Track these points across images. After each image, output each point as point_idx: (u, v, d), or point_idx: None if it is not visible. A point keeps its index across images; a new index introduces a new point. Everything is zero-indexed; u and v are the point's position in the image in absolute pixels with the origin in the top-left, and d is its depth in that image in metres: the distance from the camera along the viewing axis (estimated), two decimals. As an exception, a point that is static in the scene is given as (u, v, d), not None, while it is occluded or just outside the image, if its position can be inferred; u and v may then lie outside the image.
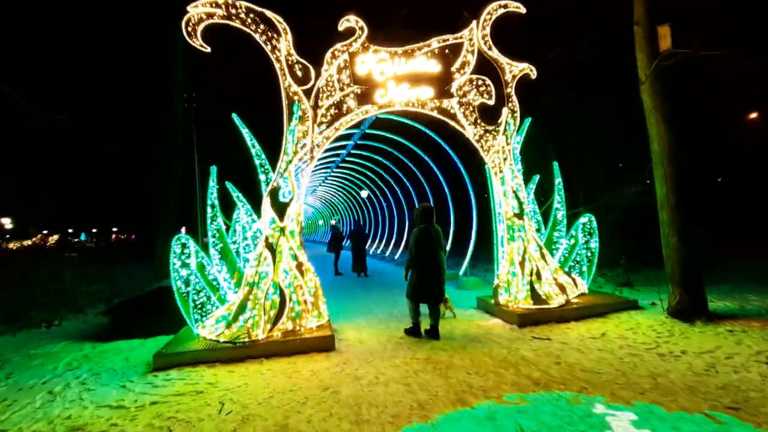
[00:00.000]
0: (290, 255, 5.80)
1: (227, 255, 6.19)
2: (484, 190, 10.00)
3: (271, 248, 5.69)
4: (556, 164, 7.56)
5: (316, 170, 17.22)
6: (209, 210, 6.02)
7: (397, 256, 15.63)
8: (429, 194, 12.73)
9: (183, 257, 5.63)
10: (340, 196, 25.23)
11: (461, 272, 9.74)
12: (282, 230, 5.80)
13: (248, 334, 5.29)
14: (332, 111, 6.40)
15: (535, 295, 6.42)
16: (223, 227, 6.41)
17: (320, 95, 6.36)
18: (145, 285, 12.00)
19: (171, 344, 5.39)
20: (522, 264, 6.61)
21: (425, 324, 5.97)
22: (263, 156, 6.49)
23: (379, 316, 7.27)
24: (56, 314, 8.36)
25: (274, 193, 5.89)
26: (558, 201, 7.53)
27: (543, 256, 6.82)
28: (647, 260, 9.63)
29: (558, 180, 7.53)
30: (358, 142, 12.40)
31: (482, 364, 4.72)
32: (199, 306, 5.72)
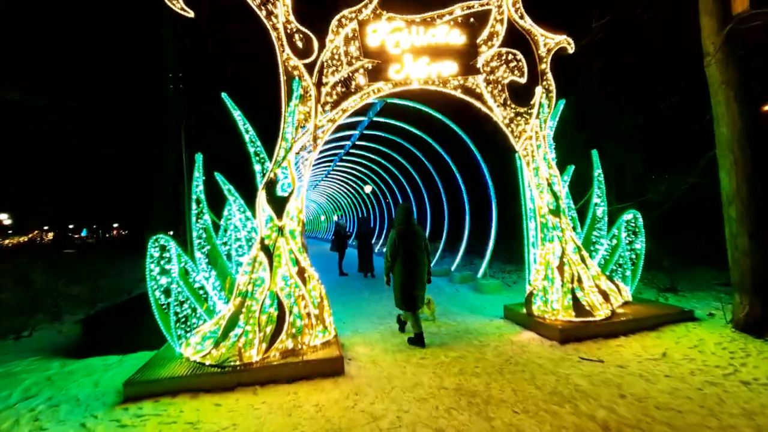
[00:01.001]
0: (290, 259, 4.87)
1: (216, 259, 5.27)
2: (501, 183, 9.05)
3: (268, 251, 4.77)
4: (595, 153, 6.59)
5: (318, 163, 16.27)
6: (194, 206, 5.08)
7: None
8: (441, 188, 11.77)
9: (162, 262, 4.71)
10: (342, 191, 24.28)
11: (479, 274, 8.82)
12: (280, 230, 4.87)
13: (240, 355, 4.38)
14: (338, 89, 5.45)
15: (577, 306, 5.48)
16: (214, 226, 5.48)
17: (325, 71, 5.41)
18: (135, 287, 11.11)
19: (148, 367, 4.48)
20: (560, 269, 5.67)
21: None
22: (258, 143, 5.56)
23: (392, 326, 6.35)
24: (29, 322, 7.47)
25: (270, 186, 4.95)
26: (597, 195, 6.57)
27: (583, 259, 5.87)
28: (686, 260, 8.69)
29: (598, 171, 6.56)
30: (364, 131, 11.43)
31: (529, 398, 3.79)
32: (183, 320, 4.82)
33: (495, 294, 8.39)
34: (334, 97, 5.43)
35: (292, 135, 5.17)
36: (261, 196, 4.89)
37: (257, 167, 5.48)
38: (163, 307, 4.74)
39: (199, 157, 5.15)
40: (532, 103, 6.04)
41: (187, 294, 4.82)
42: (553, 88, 6.11)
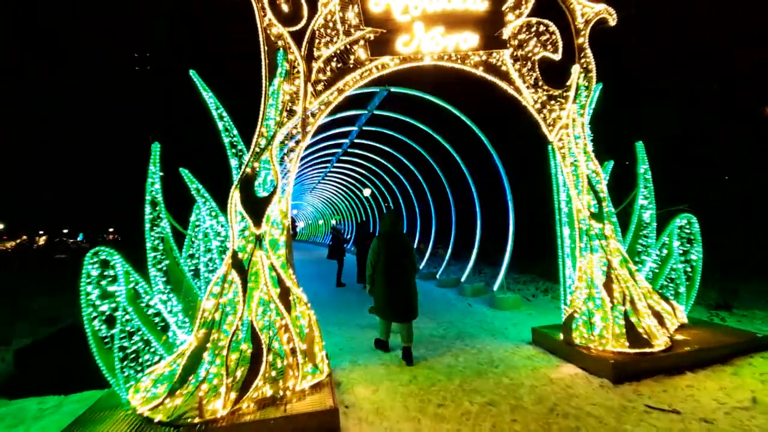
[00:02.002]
0: (271, 278, 3.78)
1: (178, 276, 4.17)
2: (517, 183, 8.00)
3: (241, 268, 3.68)
4: (640, 145, 5.53)
5: (314, 163, 15.18)
6: (148, 209, 3.98)
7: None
8: (448, 190, 10.70)
9: (104, 283, 3.62)
10: (341, 194, 23.21)
11: (496, 287, 7.74)
12: (258, 240, 3.79)
13: (200, 408, 3.28)
14: (333, 65, 4.39)
15: (631, 333, 4.40)
16: (178, 235, 4.39)
17: (316, 41, 4.36)
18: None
19: (80, 423, 3.38)
20: (608, 286, 4.60)
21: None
22: (235, 132, 4.50)
23: (400, 354, 5.25)
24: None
25: (247, 184, 3.88)
26: (644, 196, 5.51)
27: (631, 274, 4.80)
28: (735, 270, 7.63)
29: (644, 167, 5.50)
30: (363, 128, 10.38)
31: (599, 479, 2.70)
32: (132, 356, 3.73)
33: (514, 310, 7.30)
34: (328, 74, 4.37)
35: (275, 120, 4.11)
36: (234, 197, 3.81)
37: (233, 162, 4.44)
38: (105, 340, 3.65)
39: (155, 148, 4.06)
40: (568, 84, 5.00)
41: (138, 323, 3.73)
42: (592, 66, 5.07)
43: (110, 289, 3.63)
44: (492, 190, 10.14)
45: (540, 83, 4.95)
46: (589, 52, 5.08)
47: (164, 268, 4.02)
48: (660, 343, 4.42)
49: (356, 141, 11.81)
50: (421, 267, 12.31)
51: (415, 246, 14.31)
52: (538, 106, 4.93)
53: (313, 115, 4.32)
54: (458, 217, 10.72)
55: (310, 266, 16.96)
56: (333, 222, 19.73)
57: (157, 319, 3.94)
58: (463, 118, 7.74)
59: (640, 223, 5.50)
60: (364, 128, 10.43)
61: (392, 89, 7.52)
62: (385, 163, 13.42)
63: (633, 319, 4.45)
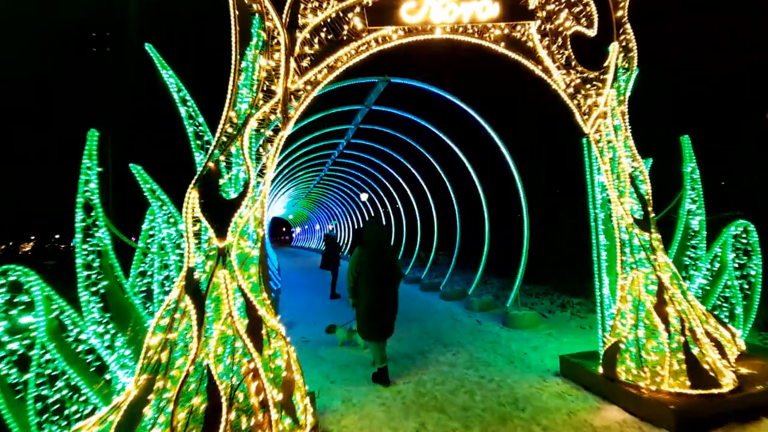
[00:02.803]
0: (238, 307, 2.90)
1: (120, 301, 3.26)
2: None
3: (197, 293, 2.79)
4: (686, 140, 4.70)
5: (307, 165, 14.29)
6: (79, 214, 3.07)
7: (407, 272, 12.72)
8: (452, 193, 9.85)
9: (13, 312, 2.73)
10: (337, 198, 22.34)
11: (509, 302, 6.86)
12: (222, 255, 2.90)
13: (133, 489, 2.38)
14: (323, 35, 3.54)
15: (695, 370, 3.53)
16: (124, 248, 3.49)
17: (301, 6, 3.51)
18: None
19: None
20: (661, 310, 3.74)
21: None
22: (201, 120, 3.65)
23: (402, 387, 4.36)
24: None
25: (208, 183, 3.00)
26: (692, 199, 4.67)
27: (684, 294, 3.94)
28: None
29: (691, 166, 4.66)
30: (360, 126, 9.53)
31: None
32: (55, 408, 2.83)
33: (530, 330, 6.42)
34: (316, 47, 3.52)
35: (248, 103, 3.25)
36: (191, 199, 2.93)
37: (198, 157, 3.57)
38: (17, 388, 2.75)
39: (92, 136, 3.17)
40: (605, 65, 4.17)
41: (61, 364, 2.83)
42: (633, 45, 4.24)
43: (23, 320, 2.74)
44: (499, 192, 9.34)
45: (573, 63, 4.12)
46: (629, 27, 4.25)
47: (101, 291, 3.11)
48: (727, 381, 3.55)
49: (353, 141, 10.96)
50: (422, 276, 11.43)
51: (415, 254, 13.46)
52: (571, 90, 4.09)
53: (297, 97, 3.46)
54: (463, 223, 9.88)
55: (303, 275, 16.04)
56: (329, 228, 18.84)
57: (90, 358, 3.04)
58: (473, 113, 6.91)
59: (687, 232, 4.65)
60: (362, 126, 9.59)
61: (393, 80, 6.69)
62: (384, 165, 12.57)
63: (695, 351, 3.58)
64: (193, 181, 2.97)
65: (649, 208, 4.09)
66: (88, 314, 3.05)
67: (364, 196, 19.33)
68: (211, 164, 3.03)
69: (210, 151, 3.07)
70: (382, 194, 15.29)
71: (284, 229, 58.76)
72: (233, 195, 3.10)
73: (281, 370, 2.93)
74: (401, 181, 12.75)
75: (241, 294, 2.89)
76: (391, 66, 6.69)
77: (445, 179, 9.80)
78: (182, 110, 3.63)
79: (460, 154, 8.36)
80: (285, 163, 11.33)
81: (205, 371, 2.66)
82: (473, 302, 7.92)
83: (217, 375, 2.66)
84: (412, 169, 11.20)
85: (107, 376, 3.10)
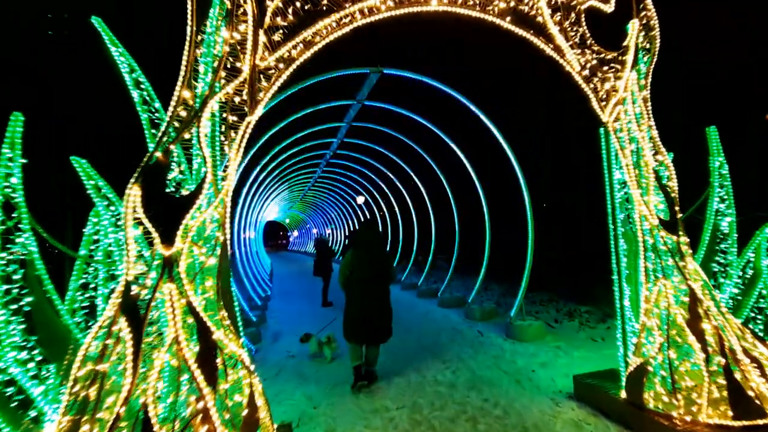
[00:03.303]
0: (187, 329, 2.34)
1: (50, 320, 2.70)
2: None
3: (134, 314, 2.24)
4: (713, 131, 4.18)
5: (299, 167, 13.74)
6: (-4, 216, 2.53)
7: (404, 277, 12.17)
8: (450, 194, 9.33)
9: None
10: (331, 202, 21.82)
11: (513, 311, 6.30)
12: (168, 266, 2.36)
13: None
14: (298, 5, 3.02)
15: (737, 397, 3.00)
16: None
17: (273, -29, 2.99)
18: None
19: None
20: (696, 326, 3.21)
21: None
22: (157, 103, 3.13)
23: (396, 417, 3.81)
24: None
25: (154, 177, 2.46)
26: (721, 198, 4.14)
27: (718, 307, 3.42)
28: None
29: (719, 160, 4.14)
30: (353, 124, 9.01)
31: None
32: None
33: (537, 342, 5.87)
34: (290, 18, 2.99)
35: (207, 83, 2.72)
36: (131, 197, 2.38)
37: (152, 146, 3.01)
38: None
39: (15, 121, 2.61)
40: (625, 44, 3.66)
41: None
42: (655, 23, 3.74)
43: None
44: (500, 190, 8.82)
45: (588, 42, 3.61)
46: (650, 3, 3.75)
47: (25, 309, 2.55)
48: (775, 410, 3.02)
49: (346, 141, 10.44)
50: (419, 283, 10.89)
51: (412, 258, 12.91)
52: (586, 72, 3.58)
53: (268, 77, 2.93)
54: (462, 224, 9.35)
55: (296, 281, 15.47)
56: (316, 232, 18.22)
57: (10, 391, 2.48)
58: (473, 107, 6.40)
59: (716, 235, 4.13)
60: (355, 124, 9.07)
61: (386, 71, 6.17)
62: (378, 166, 12.04)
63: (737, 374, 3.05)
64: (135, 175, 2.43)
65: (677, 208, 3.58)
66: (7, 337, 2.49)
67: (360, 199, 18.79)
68: (158, 154, 2.49)
69: (158, 140, 2.53)
70: (377, 196, 14.77)
71: (281, 233, 58.17)
72: (185, 192, 2.57)
73: (242, 407, 2.38)
74: (397, 182, 12.22)
75: (191, 314, 2.34)
76: (387, 54, 6.20)
77: (442, 179, 9.28)
78: (135, 94, 3.10)
79: (459, 152, 7.84)
80: (274, 164, 10.79)
81: (141, 413, 2.11)
82: (474, 311, 7.37)
83: (157, 418, 2.11)
84: (407, 169, 10.67)
85: (32, 413, 2.54)
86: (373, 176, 13.40)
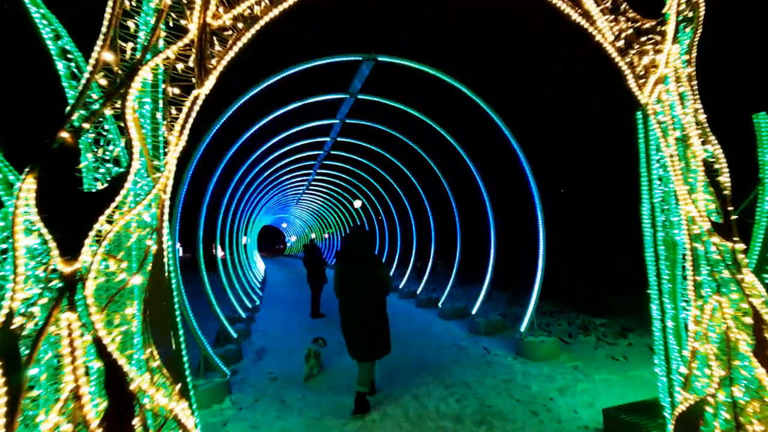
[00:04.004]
0: (93, 378, 1.68)
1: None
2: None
3: (12, 357, 1.58)
4: (763, 117, 3.55)
5: (292, 168, 13.09)
6: None
7: (402, 285, 11.50)
8: (450, 196, 8.70)
9: None
10: (328, 206, 21.17)
11: (523, 326, 5.64)
12: (69, 289, 1.70)
13: None
14: (264, -50, 2.38)
15: (828, 452, 2.34)
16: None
17: None
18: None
19: None
20: (764, 356, 2.56)
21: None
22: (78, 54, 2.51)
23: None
24: None
25: (55, 164, 1.81)
26: (775, 196, 3.51)
27: (784, 327, 2.77)
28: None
29: (772, 150, 3.51)
30: (347, 121, 8.38)
31: None
32: None
33: (552, 361, 5.21)
34: (254, -34, 2.35)
35: (141, 44, 2.08)
36: (25, 191, 1.73)
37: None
38: None
39: None
40: (665, 12, 3.03)
41: None
42: (700, -13, 3.12)
43: None
44: (504, 190, 8.18)
45: (622, 8, 2.98)
46: (693, -36, 3.13)
47: None
48: None
49: (340, 140, 9.80)
50: (418, 291, 10.22)
51: (411, 264, 12.25)
52: (620, 43, 2.95)
53: (223, 39, 2.29)
54: (463, 227, 8.71)
55: (290, 288, 14.76)
56: (310, 239, 17.55)
57: None
58: (475, 97, 5.77)
59: (769, 240, 3.49)
60: (349, 121, 8.44)
61: (380, 58, 5.55)
62: (374, 167, 11.41)
63: (824, 421, 2.40)
64: (31, 163, 1.78)
65: (730, 208, 2.94)
66: None
67: (357, 203, 18.14)
68: (65, 134, 1.84)
69: (66, 114, 1.89)
70: (374, 199, 14.12)
71: (281, 238, 57.33)
72: (101, 186, 1.92)
73: (170, 485, 1.71)
74: (393, 183, 11.58)
75: (99, 355, 1.68)
76: (382, 40, 5.60)
77: (441, 178, 8.63)
78: (61, 66, 2.46)
79: (459, 148, 7.20)
80: (263, 165, 10.14)
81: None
82: (478, 324, 6.70)
83: None
84: (403, 168, 10.01)
85: None
86: (369, 178, 12.76)
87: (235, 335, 6.04)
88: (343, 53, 5.44)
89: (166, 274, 2.20)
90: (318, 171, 14.07)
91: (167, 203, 2.08)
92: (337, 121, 8.36)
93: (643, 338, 5.89)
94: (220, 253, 11.05)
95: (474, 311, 7.08)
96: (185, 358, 2.34)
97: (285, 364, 5.62)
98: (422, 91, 7.28)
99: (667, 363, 3.22)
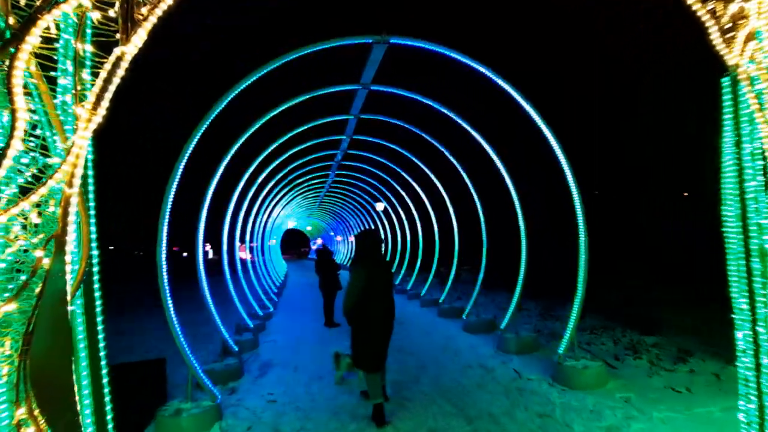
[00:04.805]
0: None
1: None
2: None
3: None
4: None
5: (310, 168, 12.63)
6: None
7: (424, 292, 10.78)
8: (475, 197, 7.93)
9: None
10: (349, 208, 20.70)
11: (562, 348, 4.82)
12: None
13: None
14: None
15: None
16: None
17: None
18: None
19: None
20: None
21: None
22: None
23: None
24: None
25: None
26: None
27: None
28: None
29: None
30: (361, 117, 7.80)
31: None
32: None
33: (597, 390, 4.38)
34: None
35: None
36: None
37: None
38: None
39: None
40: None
41: None
42: None
43: None
44: (537, 187, 7.34)
45: (702, -64, 2.23)
46: None
47: None
48: None
49: (356, 138, 9.23)
50: (441, 299, 9.48)
51: (433, 269, 11.50)
52: (701, -16, 2.20)
53: (159, -17, 1.72)
54: (489, 229, 7.93)
55: (308, 293, 14.31)
56: (318, 243, 17.14)
57: None
58: (503, 83, 5.04)
59: None
60: (364, 117, 7.86)
61: (393, 41, 4.92)
62: (393, 166, 10.78)
63: None
64: None
65: None
66: None
67: (379, 206, 17.58)
68: None
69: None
70: (394, 201, 13.48)
71: (306, 241, 57.57)
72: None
73: None
74: (414, 183, 10.89)
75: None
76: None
77: (464, 175, 7.88)
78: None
79: (484, 143, 6.45)
80: (276, 164, 9.69)
81: None
82: (508, 341, 5.91)
83: None
84: (423, 167, 9.30)
85: None
86: (388, 178, 12.15)
87: (236, 348, 5.55)
88: (351, 36, 4.86)
89: (87, 301, 1.65)
90: (336, 173, 13.59)
91: (74, 201, 1.53)
92: (352, 117, 7.79)
93: (707, 364, 4.95)
94: (242, 255, 10.79)
95: (503, 325, 6.28)
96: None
97: (289, 383, 5.07)
98: (442, 80, 6.57)
99: (761, 412, 2.41)
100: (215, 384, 4.97)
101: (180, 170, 4.33)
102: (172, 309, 4.00)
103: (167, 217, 4.18)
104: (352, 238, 27.98)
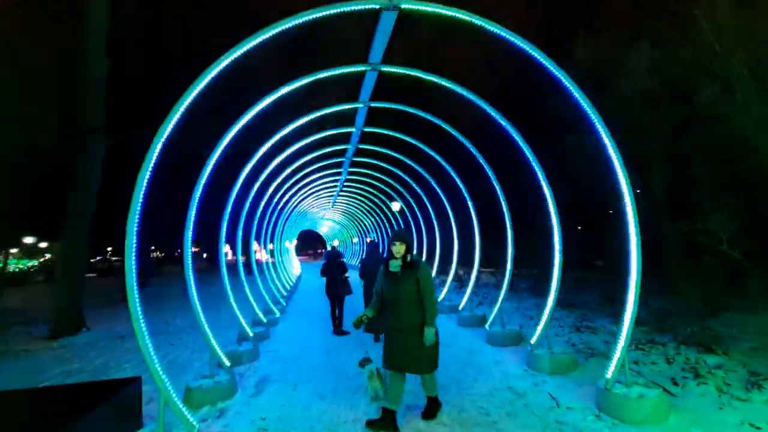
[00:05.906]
0: None
1: None
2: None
3: None
4: None
5: (319, 166, 12.00)
6: None
7: (442, 297, 9.95)
8: (499, 191, 7.09)
9: None
10: (365, 209, 20.04)
11: (610, 372, 3.96)
12: None
13: None
14: None
15: None
16: None
17: None
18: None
19: None
20: None
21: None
22: None
23: None
24: None
25: None
26: None
27: None
28: None
29: None
30: (371, 104, 7.07)
31: None
32: None
33: (657, 426, 3.54)
34: None
35: None
36: None
37: None
38: None
39: None
40: None
41: None
42: None
43: None
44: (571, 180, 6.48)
45: None
46: None
47: None
48: None
49: (367, 130, 8.51)
50: (461, 306, 8.66)
51: (453, 272, 10.65)
52: None
53: None
54: (515, 227, 7.07)
55: (320, 295, 13.64)
56: (333, 245, 16.44)
57: None
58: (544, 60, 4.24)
59: None
60: (374, 105, 7.15)
61: (405, 4, 4.19)
62: (408, 162, 10.02)
63: None
64: None
65: None
66: None
67: (395, 206, 16.90)
68: None
69: None
70: (410, 199, 12.73)
71: (321, 242, 57.30)
72: None
73: None
74: (431, 180, 10.10)
75: None
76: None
77: (487, 169, 7.05)
78: None
79: (514, 134, 5.63)
80: (282, 159, 9.07)
81: None
82: (541, 359, 5.08)
83: None
84: (443, 162, 8.48)
85: None
86: (403, 175, 11.41)
87: (228, 363, 4.91)
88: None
89: None
90: (349, 170, 12.94)
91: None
92: (362, 105, 7.09)
93: (790, 391, 4.03)
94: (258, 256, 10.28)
95: (533, 339, 5.43)
96: None
97: (285, 405, 4.40)
98: (464, 64, 5.80)
99: None
100: (202, 404, 4.37)
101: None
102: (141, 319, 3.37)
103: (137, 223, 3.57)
104: (356, 240, 27.25)
